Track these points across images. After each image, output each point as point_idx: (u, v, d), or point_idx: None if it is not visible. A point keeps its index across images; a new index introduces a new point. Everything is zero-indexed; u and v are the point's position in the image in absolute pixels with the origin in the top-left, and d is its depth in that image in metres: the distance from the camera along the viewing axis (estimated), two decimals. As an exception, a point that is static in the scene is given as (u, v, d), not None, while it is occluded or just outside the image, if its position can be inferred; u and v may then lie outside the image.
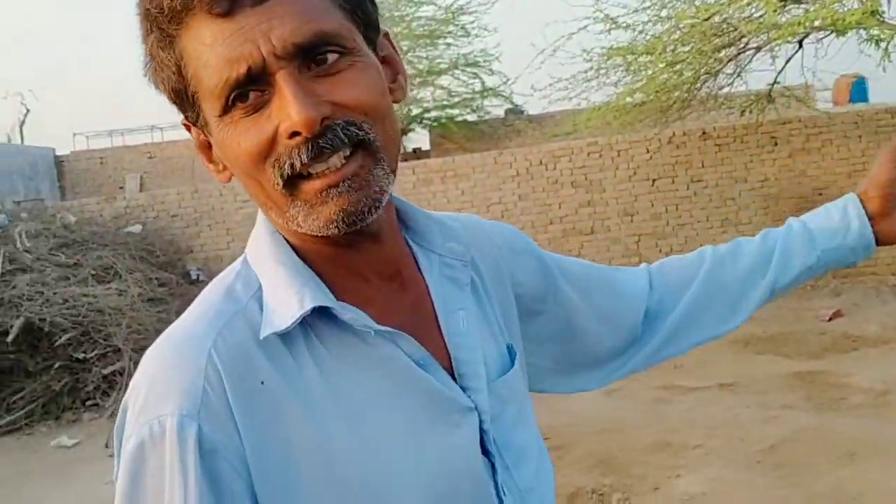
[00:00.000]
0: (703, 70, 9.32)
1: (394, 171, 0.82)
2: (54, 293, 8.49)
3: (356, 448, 0.79)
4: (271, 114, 0.75)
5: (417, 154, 16.82)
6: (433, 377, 0.86)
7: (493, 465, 0.89)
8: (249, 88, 0.75)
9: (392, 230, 0.90)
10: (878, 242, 1.19)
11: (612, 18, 8.56)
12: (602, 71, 9.63)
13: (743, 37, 8.51)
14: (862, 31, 6.59)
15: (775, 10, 6.52)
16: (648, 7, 8.70)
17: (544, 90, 10.39)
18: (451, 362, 0.89)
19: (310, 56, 0.76)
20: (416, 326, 0.88)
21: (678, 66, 9.00)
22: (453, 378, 0.88)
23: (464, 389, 0.88)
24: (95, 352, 8.26)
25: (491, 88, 17.49)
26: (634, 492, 4.50)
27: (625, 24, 8.50)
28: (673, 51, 8.53)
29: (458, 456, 0.85)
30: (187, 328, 0.83)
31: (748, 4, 7.41)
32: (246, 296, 0.84)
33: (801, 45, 8.73)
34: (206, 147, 0.86)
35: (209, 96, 0.77)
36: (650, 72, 9.28)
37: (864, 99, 18.38)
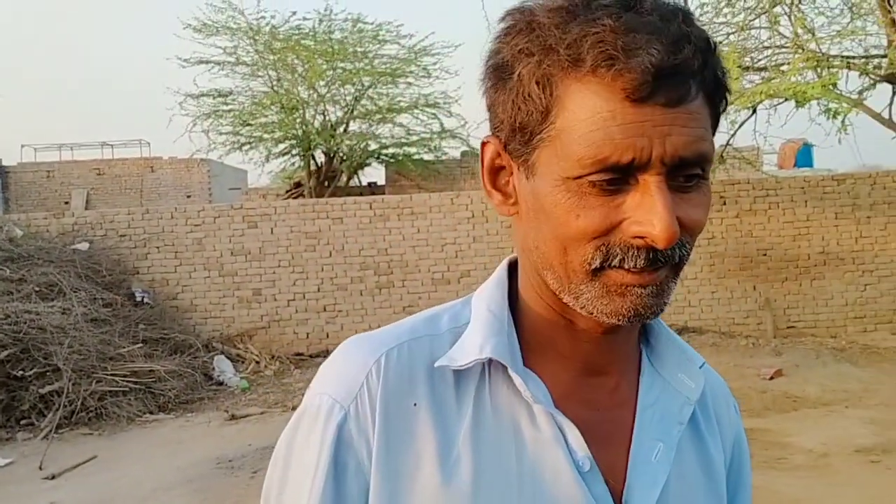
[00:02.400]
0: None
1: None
2: (-5, 308, 8.26)
3: None
4: (624, 204, 0.74)
5: (373, 189, 16.87)
6: (587, 486, 0.80)
7: None
8: (616, 176, 0.74)
9: (630, 333, 0.88)
10: None
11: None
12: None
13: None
14: (820, 103, 6.86)
15: (736, 78, 6.76)
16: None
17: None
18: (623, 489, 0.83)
19: (680, 170, 0.75)
20: (603, 430, 0.85)
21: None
22: (619, 501, 0.82)
23: None
24: (34, 370, 8.05)
25: (449, 130, 17.68)
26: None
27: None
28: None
29: None
30: (379, 332, 0.88)
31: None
32: (446, 327, 0.87)
33: (755, 111, 9.04)
34: (497, 171, 0.84)
35: (570, 159, 0.74)
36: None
37: (809, 164, 19.04)
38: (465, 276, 11.64)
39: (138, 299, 10.98)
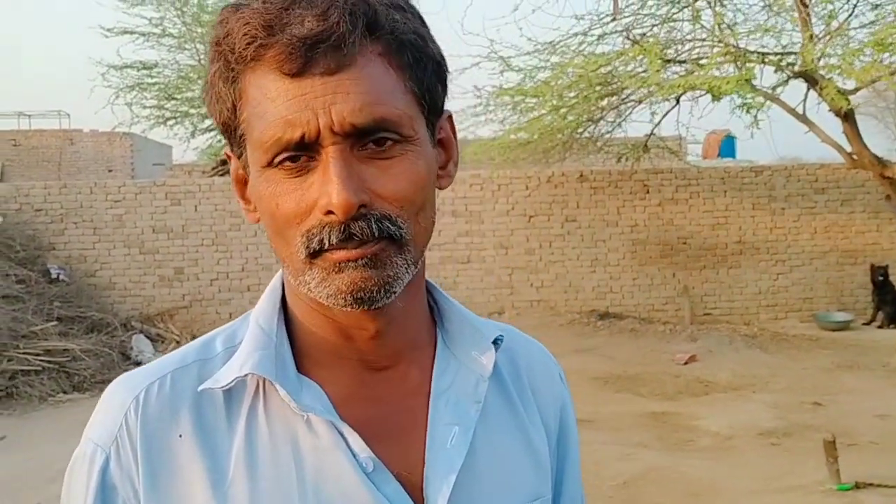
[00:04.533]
0: (585, 116, 9.72)
1: (416, 263, 0.80)
2: None
3: None
4: (313, 184, 0.74)
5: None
6: (376, 486, 0.79)
7: None
8: (298, 153, 0.74)
9: (409, 322, 0.87)
10: None
11: (505, 60, 8.82)
12: (490, 108, 9.90)
13: (625, 88, 8.93)
14: (736, 98, 7.06)
15: (658, 70, 6.90)
16: (539, 51, 9.00)
17: (432, 120, 10.55)
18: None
19: (366, 137, 0.74)
20: (393, 425, 0.84)
21: (563, 111, 9.35)
22: (419, 495, 0.81)
23: None
24: (-60, 348, 7.78)
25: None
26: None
27: (517, 67, 8.78)
28: (559, 95, 8.86)
29: None
30: (145, 367, 0.86)
31: (633, 59, 7.81)
32: (220, 348, 0.85)
33: (678, 102, 9.24)
34: (243, 182, 0.84)
35: (257, 147, 0.76)
36: (536, 113, 9.60)
37: (732, 155, 19.56)
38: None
39: (54, 276, 10.69)
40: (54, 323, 9.19)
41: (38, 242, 11.07)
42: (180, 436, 0.79)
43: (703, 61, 7.37)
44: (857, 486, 4.91)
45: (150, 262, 11.40)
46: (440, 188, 0.85)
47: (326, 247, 0.74)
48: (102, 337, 9.74)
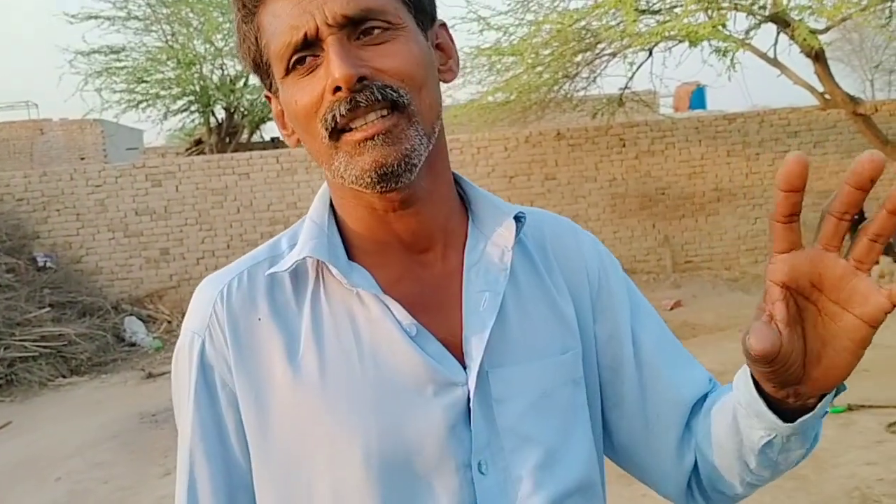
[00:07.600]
0: (560, 73, 9.80)
1: (429, 137, 0.90)
2: None
3: (320, 393, 0.90)
4: (321, 74, 0.85)
5: (276, 144, 16.62)
6: (419, 347, 0.91)
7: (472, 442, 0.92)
8: (306, 53, 0.86)
9: (438, 205, 0.98)
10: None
11: (484, 19, 8.87)
12: (467, 69, 9.95)
13: (599, 42, 9.02)
14: (710, 43, 7.18)
15: (634, 20, 7.01)
16: (515, 10, 9.06)
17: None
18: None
19: (358, 27, 0.85)
20: (435, 299, 0.96)
21: (539, 69, 9.42)
22: (460, 353, 0.93)
23: (465, 367, 0.93)
24: (-62, 340, 7.81)
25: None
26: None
27: (496, 26, 8.84)
28: (535, 54, 8.94)
29: (421, 425, 0.90)
30: (226, 267, 1.01)
31: (607, 13, 7.90)
32: (286, 246, 0.99)
33: (651, 53, 9.35)
34: (282, 115, 0.96)
35: (275, 60, 0.88)
36: (513, 73, 9.67)
37: (703, 106, 19.75)
38: (376, 226, 11.73)
39: (41, 264, 10.68)
40: (47, 309, 9.22)
41: (23, 231, 11.03)
42: (259, 319, 0.94)
43: (677, 9, 7.49)
44: (850, 409, 5.13)
45: (135, 244, 11.41)
46: (445, 81, 0.97)
47: (338, 120, 0.85)
48: (95, 321, 9.79)
